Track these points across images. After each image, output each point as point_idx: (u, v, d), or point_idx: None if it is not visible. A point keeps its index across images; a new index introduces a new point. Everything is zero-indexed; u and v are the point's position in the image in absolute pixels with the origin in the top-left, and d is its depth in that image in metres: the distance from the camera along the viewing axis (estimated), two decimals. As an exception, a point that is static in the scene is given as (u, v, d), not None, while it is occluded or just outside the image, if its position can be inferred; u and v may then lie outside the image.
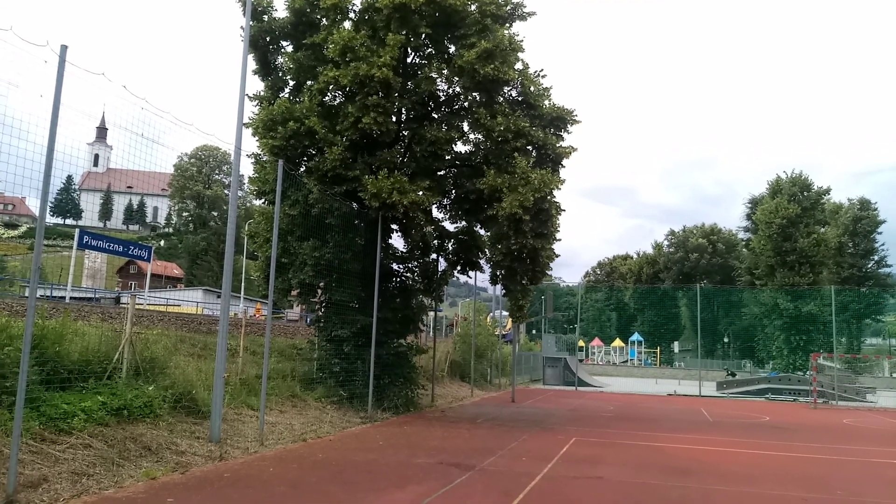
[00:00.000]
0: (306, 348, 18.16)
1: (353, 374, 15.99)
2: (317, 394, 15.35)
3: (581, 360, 49.79)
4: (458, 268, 19.72)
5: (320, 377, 16.11)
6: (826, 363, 38.40)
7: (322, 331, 16.89)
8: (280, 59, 17.42)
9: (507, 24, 16.21)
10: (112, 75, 8.01)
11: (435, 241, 19.19)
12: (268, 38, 17.08)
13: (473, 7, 15.48)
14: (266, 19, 16.85)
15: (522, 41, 15.76)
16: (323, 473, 8.94)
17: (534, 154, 16.16)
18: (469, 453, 11.14)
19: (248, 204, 58.93)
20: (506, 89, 16.19)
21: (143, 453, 8.71)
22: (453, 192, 17.95)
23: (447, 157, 17.08)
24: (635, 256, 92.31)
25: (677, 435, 15.67)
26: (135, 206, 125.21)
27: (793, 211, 50.41)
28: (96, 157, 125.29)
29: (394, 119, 15.67)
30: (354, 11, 16.37)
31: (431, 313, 23.52)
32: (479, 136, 16.72)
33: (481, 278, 22.09)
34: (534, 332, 69.81)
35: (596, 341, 74.17)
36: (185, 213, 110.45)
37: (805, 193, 52.19)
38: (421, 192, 15.07)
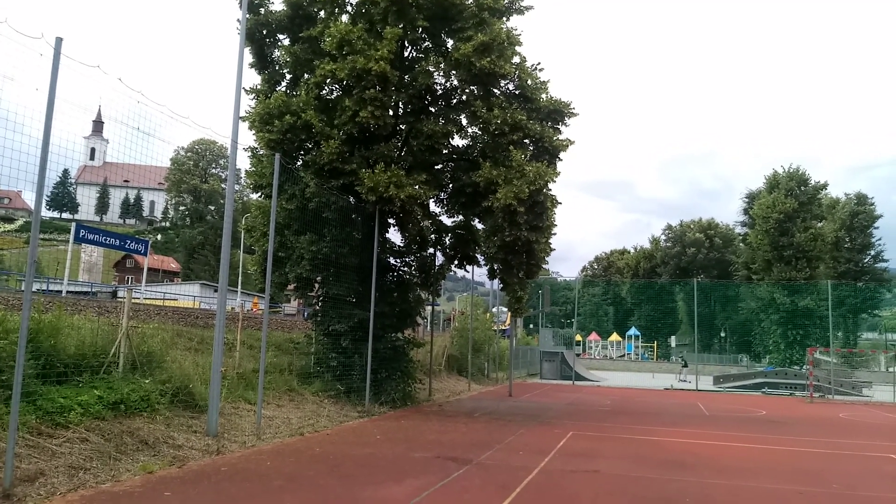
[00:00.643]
0: (303, 342, 18.16)
1: (351, 369, 15.99)
2: (314, 388, 15.35)
3: (578, 355, 49.86)
4: (456, 262, 19.72)
5: (318, 371, 16.11)
6: (822, 357, 38.53)
7: (319, 325, 16.88)
8: (277, 53, 17.35)
9: (505, 18, 16.18)
10: (108, 68, 7.97)
11: (432, 236, 19.19)
12: (264, 32, 17.01)
13: (470, 0, 15.42)
14: (263, 12, 16.78)
15: (520, 35, 15.73)
16: (320, 467, 8.95)
17: (531, 147, 16.13)
18: (466, 447, 11.16)
19: (244, 198, 58.76)
20: (503, 83, 16.15)
21: (140, 447, 8.71)
22: (450, 185, 17.93)
23: (444, 151, 17.05)
24: (632, 251, 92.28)
25: (674, 429, 15.72)
26: (131, 200, 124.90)
27: (790, 206, 50.45)
28: (92, 150, 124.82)
29: (391, 113, 15.63)
30: (351, 4, 16.34)
31: (429, 307, 23.53)
32: (477, 130, 16.69)
33: (478, 272, 22.09)
34: (531, 326, 69.90)
35: (593, 335, 74.29)
36: (181, 207, 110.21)
37: (802, 188, 52.23)
38: (418, 186, 15.05)
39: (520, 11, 16.60)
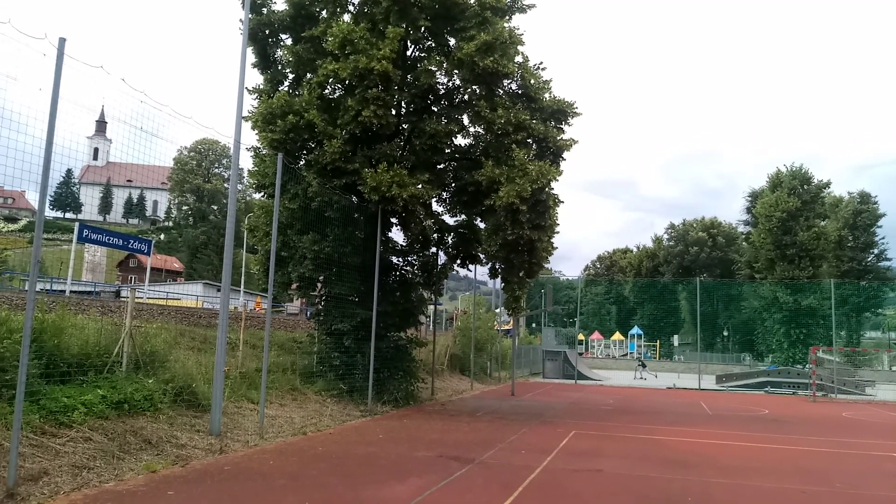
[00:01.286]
0: (306, 342, 18.17)
1: (353, 368, 16.01)
2: (317, 387, 15.37)
3: (581, 354, 49.85)
4: (458, 261, 19.72)
5: (320, 371, 16.12)
6: (825, 356, 38.51)
7: (322, 324, 16.90)
8: (279, 52, 17.37)
9: (507, 17, 16.15)
10: (111, 68, 7.99)
11: (434, 235, 19.20)
12: (267, 31, 17.03)
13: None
14: (265, 12, 16.80)
15: (522, 34, 15.69)
16: (323, 466, 8.96)
17: (534, 147, 16.11)
18: (469, 446, 11.17)
19: (247, 197, 58.90)
20: (506, 82, 16.13)
21: (143, 446, 8.73)
22: (453, 185, 17.92)
23: (447, 151, 17.04)
24: (635, 250, 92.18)
25: (677, 428, 15.71)
26: (134, 200, 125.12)
27: (793, 204, 50.38)
28: (96, 150, 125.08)
29: (393, 112, 15.63)
30: (353, 4, 16.34)
31: (431, 307, 23.54)
32: (480, 130, 16.67)
33: (481, 272, 22.12)
34: (533, 325, 69.91)
35: (596, 335, 74.23)
36: (184, 207, 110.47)
37: (805, 187, 52.15)
38: (420, 186, 15.05)
39: (522, 10, 16.58)
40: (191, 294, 42.02)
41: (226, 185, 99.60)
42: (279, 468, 8.59)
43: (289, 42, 17.14)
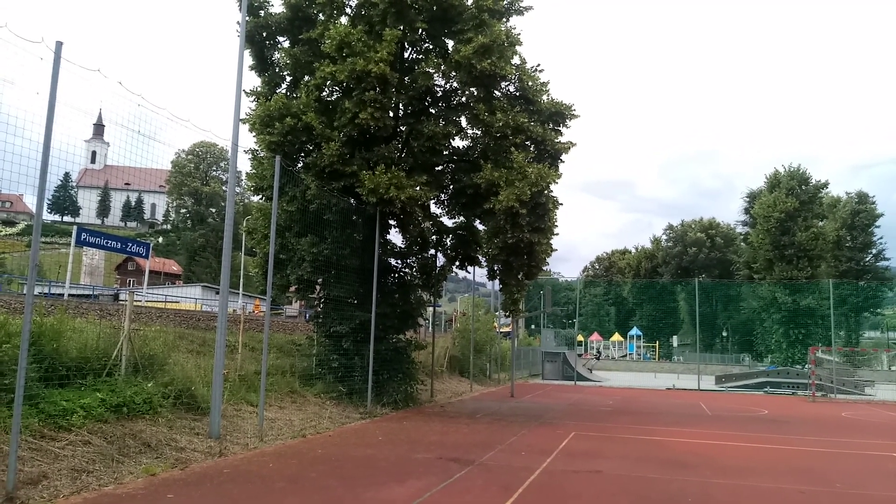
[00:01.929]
0: (305, 344, 18.16)
1: (352, 370, 16.00)
2: (316, 390, 15.36)
3: (580, 355, 49.86)
4: (457, 263, 19.72)
5: (319, 373, 16.12)
6: (824, 356, 38.54)
7: (321, 327, 16.90)
8: (277, 55, 17.37)
9: (504, 19, 16.18)
10: (108, 72, 7.99)
11: (433, 237, 19.21)
12: (264, 34, 17.04)
13: (470, 2, 15.44)
14: (262, 14, 16.81)
15: (519, 35, 15.73)
16: (322, 468, 8.95)
17: (533, 149, 16.14)
18: (468, 448, 11.16)
19: (245, 200, 58.84)
20: (503, 84, 16.16)
21: (142, 450, 8.72)
22: (451, 187, 17.94)
23: (445, 153, 17.07)
24: (633, 251, 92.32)
25: (676, 429, 15.72)
26: (132, 203, 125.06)
27: (791, 205, 50.48)
28: (93, 153, 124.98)
29: (391, 114, 15.65)
30: (350, 6, 16.35)
31: (430, 309, 23.53)
32: (477, 132, 16.70)
33: (480, 273, 22.09)
34: (532, 326, 69.89)
35: (595, 336, 74.26)
36: (182, 210, 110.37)
37: (803, 187, 52.27)
38: (418, 188, 15.06)
39: (519, 12, 16.60)
40: (189, 297, 41.99)
41: (224, 187, 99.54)
42: (278, 471, 8.58)
43: (286, 44, 17.15)
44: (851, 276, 56.48)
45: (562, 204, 17.07)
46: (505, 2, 16.06)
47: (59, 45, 7.11)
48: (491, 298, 47.04)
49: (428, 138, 15.49)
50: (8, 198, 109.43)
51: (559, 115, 16.63)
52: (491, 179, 14.84)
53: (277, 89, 17.21)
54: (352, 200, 16.42)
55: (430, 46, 16.90)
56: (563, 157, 16.79)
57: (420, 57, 16.93)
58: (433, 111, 16.82)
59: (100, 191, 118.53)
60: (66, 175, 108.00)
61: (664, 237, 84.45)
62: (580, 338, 64.99)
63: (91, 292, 40.47)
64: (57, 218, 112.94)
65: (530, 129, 15.56)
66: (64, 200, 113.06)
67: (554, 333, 45.02)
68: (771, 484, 9.05)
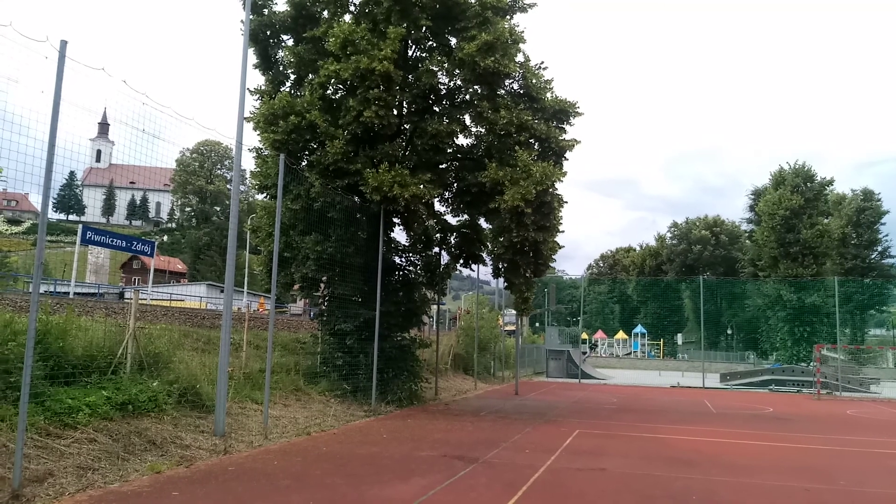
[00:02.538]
0: (309, 342, 18.19)
1: (357, 368, 16.02)
2: (320, 387, 15.39)
3: (585, 353, 49.82)
4: (461, 261, 19.72)
5: (324, 371, 16.14)
6: (830, 354, 38.40)
7: (325, 325, 16.91)
8: (281, 53, 17.38)
9: (508, 16, 16.14)
10: (113, 70, 8.00)
11: (437, 235, 19.21)
12: (268, 32, 17.05)
13: (474, -1, 15.41)
14: (266, 13, 16.82)
15: (523, 33, 15.68)
16: (327, 466, 8.97)
17: (537, 147, 16.10)
18: (472, 446, 11.17)
19: (250, 199, 58.88)
20: (507, 82, 16.13)
21: (147, 447, 8.75)
22: (455, 185, 17.92)
23: (449, 151, 17.05)
24: (638, 249, 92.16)
25: (680, 426, 15.69)
26: (137, 202, 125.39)
27: (796, 202, 50.27)
28: (98, 152, 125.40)
29: (395, 112, 15.63)
30: (354, 4, 16.34)
31: (434, 306, 23.54)
32: (482, 130, 16.67)
33: (484, 271, 22.11)
34: (537, 324, 69.84)
35: (599, 333, 74.20)
36: (187, 209, 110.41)
37: (808, 184, 52.02)
38: (422, 186, 15.04)
39: (523, 9, 16.57)
40: (194, 295, 42.08)
41: (228, 186, 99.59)
42: (283, 468, 8.60)
43: (290, 43, 17.16)
44: (857, 274, 56.26)
45: (567, 202, 17.07)
46: (508, -1, 16.01)
47: (63, 43, 7.13)
48: (495, 296, 47.03)
49: (432, 136, 15.48)
50: (13, 196, 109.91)
51: (563, 112, 16.58)
52: (496, 178, 14.82)
53: (281, 87, 17.22)
54: (356, 198, 16.43)
55: (434, 44, 16.87)
56: (568, 154, 16.74)
57: (424, 55, 16.92)
58: (437, 109, 16.81)
59: (105, 189, 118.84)
60: (72, 174, 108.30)
61: (669, 235, 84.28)
62: (584, 335, 64.96)
63: (96, 291, 40.60)
64: (62, 216, 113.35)
65: (534, 127, 15.53)
66: (69, 199, 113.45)
67: (558, 331, 45.01)
68: (776, 481, 9.03)
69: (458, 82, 16.42)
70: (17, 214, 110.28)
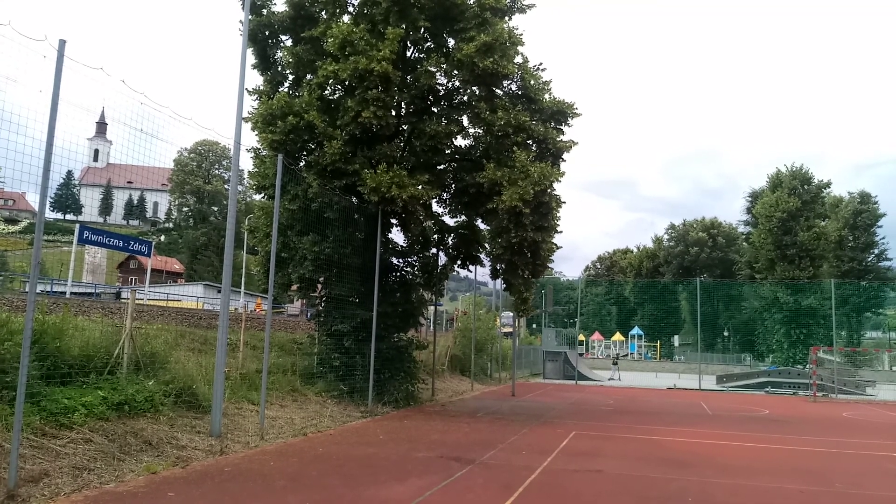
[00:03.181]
0: (306, 343, 18.18)
1: (354, 369, 16.01)
2: (317, 388, 15.38)
3: (581, 355, 49.85)
4: (459, 262, 19.72)
5: (321, 372, 16.13)
6: (826, 356, 38.49)
7: (322, 325, 16.90)
8: (279, 54, 17.38)
9: (507, 18, 16.16)
10: (111, 70, 8.00)
11: (435, 236, 19.21)
12: (267, 32, 17.05)
13: (472, 0, 15.43)
14: (265, 13, 16.82)
15: (522, 34, 15.70)
16: (323, 467, 8.96)
17: (534, 148, 16.12)
18: (469, 447, 11.17)
19: (247, 199, 58.91)
20: (505, 83, 16.14)
21: (143, 448, 8.73)
22: (453, 186, 17.93)
23: (447, 152, 17.06)
24: (635, 250, 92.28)
25: (677, 428, 15.72)
26: (135, 202, 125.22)
27: (793, 204, 50.42)
28: (96, 152, 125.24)
29: (393, 113, 15.64)
30: (353, 5, 16.34)
31: (432, 308, 23.54)
32: (480, 131, 16.69)
33: (481, 272, 22.11)
34: (534, 326, 69.89)
35: (596, 335, 74.24)
36: (185, 209, 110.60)
37: (805, 187, 52.18)
38: (420, 187, 15.05)
39: (522, 10, 16.59)
40: (191, 295, 42.08)
41: (226, 186, 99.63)
42: (280, 469, 8.60)
43: (289, 43, 17.16)
44: (853, 276, 56.42)
45: (565, 202, 17.08)
46: (507, 0, 16.03)
47: (62, 43, 7.12)
48: (492, 297, 47.03)
49: (430, 137, 15.49)
50: (10, 196, 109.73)
51: (561, 113, 16.61)
52: (493, 179, 14.83)
53: (280, 88, 17.22)
54: (353, 199, 16.43)
55: (433, 45, 16.88)
56: (565, 155, 16.78)
57: (422, 56, 16.93)
58: (435, 110, 16.82)
59: (102, 189, 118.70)
60: (69, 173, 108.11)
61: (666, 236, 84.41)
62: (581, 337, 65.00)
63: (93, 290, 40.56)
64: (59, 216, 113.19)
65: (532, 128, 15.55)
66: (66, 198, 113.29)
67: (555, 333, 45.02)
68: (771, 483, 9.05)
69: (457, 83, 16.43)
70: (14, 213, 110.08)
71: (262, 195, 18.42)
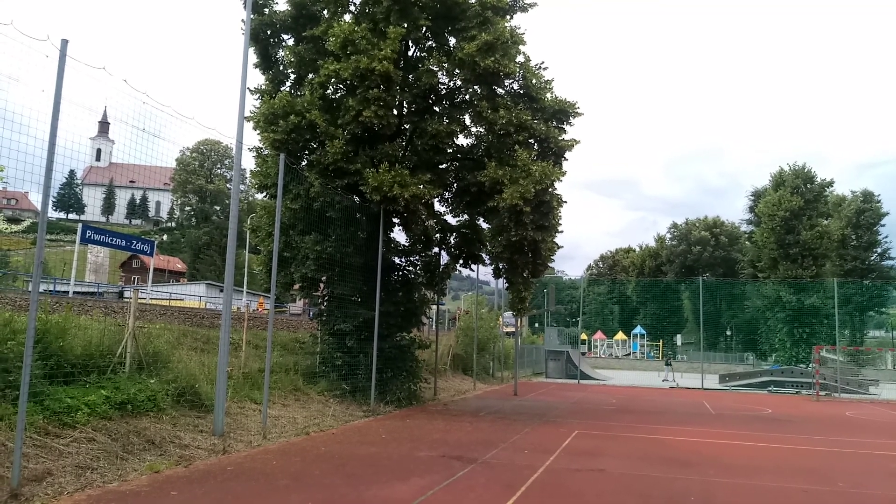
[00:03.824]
0: (309, 342, 18.19)
1: (356, 368, 16.02)
2: (319, 387, 15.39)
3: (583, 354, 49.82)
4: (461, 261, 19.72)
5: (323, 371, 16.14)
6: (829, 356, 38.42)
7: (325, 324, 16.91)
8: (281, 53, 17.38)
9: (508, 17, 16.13)
10: (113, 69, 7.99)
11: (437, 235, 19.20)
12: (268, 32, 17.05)
13: (474, -1, 15.41)
14: (267, 12, 16.82)
15: (523, 33, 15.68)
16: (326, 466, 8.97)
17: (536, 147, 16.10)
18: (471, 446, 11.17)
19: (250, 198, 58.91)
20: (507, 82, 16.12)
21: (146, 447, 8.75)
22: (455, 185, 17.92)
23: (448, 151, 17.05)
24: (638, 249, 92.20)
25: (679, 427, 15.70)
26: (137, 201, 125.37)
27: (796, 203, 50.33)
28: (98, 151, 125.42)
29: (395, 112, 15.64)
30: (354, 4, 16.34)
31: (434, 307, 23.54)
32: (481, 130, 16.68)
33: (484, 271, 22.12)
34: (536, 325, 69.87)
35: (598, 334, 74.19)
36: (187, 208, 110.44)
37: (808, 186, 52.10)
38: (422, 186, 15.05)
39: (523, 9, 16.56)
40: (194, 295, 42.06)
41: (228, 185, 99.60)
42: (282, 468, 8.60)
43: (290, 42, 17.15)
44: (856, 275, 56.34)
45: (566, 202, 17.07)
46: (509, -1, 16.00)
47: (64, 42, 7.13)
48: (494, 296, 47.01)
49: (432, 136, 15.49)
50: (13, 195, 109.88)
51: (563, 112, 16.59)
52: (495, 177, 14.83)
53: (282, 87, 17.22)
54: (355, 198, 16.43)
55: (434, 44, 16.87)
56: (567, 154, 16.75)
57: (424, 55, 16.92)
58: (437, 109, 16.81)
59: (105, 188, 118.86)
60: (72, 173, 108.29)
61: (668, 236, 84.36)
62: (584, 336, 64.93)
63: (96, 290, 40.62)
64: (62, 215, 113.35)
65: (534, 127, 15.53)
66: (69, 198, 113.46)
67: (557, 332, 45.02)
68: (774, 483, 9.03)
69: (458, 82, 16.41)
70: (16, 213, 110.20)
71: (265, 194, 18.43)
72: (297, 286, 17.51)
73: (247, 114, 15.08)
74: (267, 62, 17.40)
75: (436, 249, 19.44)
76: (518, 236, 15.35)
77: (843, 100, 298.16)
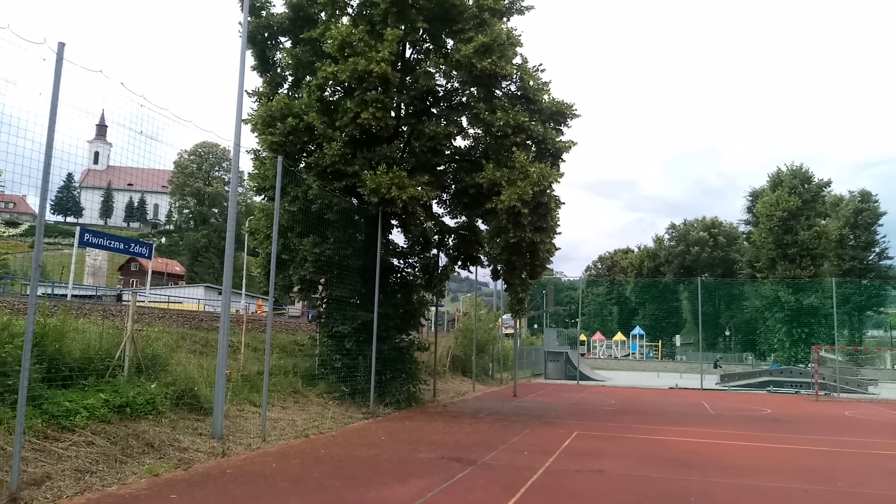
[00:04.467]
0: (308, 344, 18.18)
1: (355, 370, 16.01)
2: (319, 390, 15.37)
3: (583, 355, 49.82)
4: (459, 263, 19.71)
5: (322, 373, 16.13)
6: (828, 355, 38.44)
7: (323, 327, 16.91)
8: (278, 55, 17.39)
9: (505, 19, 16.16)
10: (110, 72, 8.01)
11: (435, 237, 19.21)
12: (266, 34, 17.06)
13: (471, 1, 15.42)
14: (264, 15, 16.84)
15: (520, 35, 15.71)
16: (325, 469, 8.96)
17: (534, 149, 16.11)
18: (471, 448, 11.17)
19: (248, 200, 58.87)
20: (504, 84, 16.13)
21: (145, 450, 8.73)
22: (453, 187, 17.93)
23: (446, 152, 17.06)
24: (636, 250, 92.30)
25: (679, 428, 15.70)
26: (135, 204, 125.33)
27: (793, 203, 50.41)
28: (96, 154, 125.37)
29: (392, 114, 15.64)
30: (352, 6, 16.34)
31: (433, 308, 23.53)
32: (479, 131, 16.68)
33: (482, 273, 22.10)
34: (535, 326, 69.86)
35: (597, 335, 74.22)
36: (185, 210, 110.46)
37: (806, 186, 52.19)
38: (420, 188, 15.05)
39: (520, 12, 16.58)
40: (192, 297, 42.06)
41: (226, 188, 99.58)
42: (281, 471, 8.59)
43: (288, 44, 17.16)
44: (854, 275, 56.38)
45: (564, 203, 17.05)
46: (506, 1, 15.99)
47: (61, 45, 7.12)
48: (493, 298, 47.01)
49: (429, 138, 15.49)
50: (11, 199, 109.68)
51: (560, 114, 16.60)
52: (493, 179, 14.84)
53: (279, 89, 17.23)
54: (354, 200, 16.43)
55: (431, 46, 16.89)
56: (565, 156, 16.76)
57: (421, 57, 16.93)
58: (434, 111, 16.81)
59: (102, 191, 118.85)
60: (69, 176, 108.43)
61: (667, 236, 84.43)
62: (583, 337, 64.96)
63: (94, 293, 40.57)
64: (60, 219, 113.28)
65: (531, 129, 15.54)
66: (67, 201, 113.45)
67: (557, 333, 45.01)
68: (774, 483, 9.04)
69: (456, 84, 16.42)
70: (14, 216, 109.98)
71: (263, 197, 18.43)
72: (295, 288, 17.50)
73: (244, 116, 15.07)
74: (264, 64, 17.41)
75: (434, 251, 19.44)
76: (516, 238, 15.35)
77: (841, 100, 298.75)
